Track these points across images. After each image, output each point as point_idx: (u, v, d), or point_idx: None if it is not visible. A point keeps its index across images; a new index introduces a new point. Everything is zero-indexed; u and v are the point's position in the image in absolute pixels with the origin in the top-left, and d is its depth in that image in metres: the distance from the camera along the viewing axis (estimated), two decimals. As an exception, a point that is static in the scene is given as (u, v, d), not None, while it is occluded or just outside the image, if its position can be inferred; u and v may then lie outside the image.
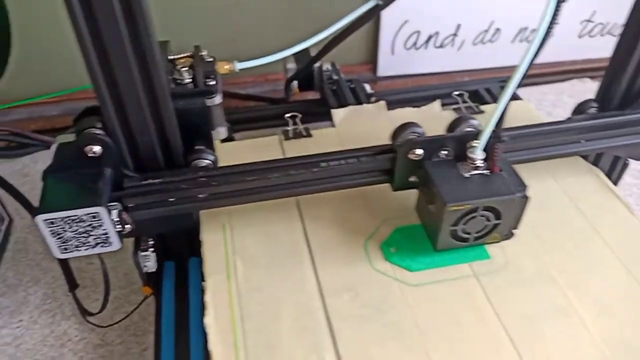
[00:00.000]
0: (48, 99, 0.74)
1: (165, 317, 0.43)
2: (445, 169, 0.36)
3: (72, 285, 0.50)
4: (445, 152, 0.37)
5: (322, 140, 0.52)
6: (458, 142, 0.38)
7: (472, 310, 0.36)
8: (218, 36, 0.75)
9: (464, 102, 0.57)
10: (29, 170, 0.65)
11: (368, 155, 0.38)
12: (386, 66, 0.84)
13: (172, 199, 0.38)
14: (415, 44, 0.82)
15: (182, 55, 0.41)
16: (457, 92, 0.58)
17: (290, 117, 0.55)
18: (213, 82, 0.40)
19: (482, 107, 0.56)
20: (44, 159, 0.66)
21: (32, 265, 0.54)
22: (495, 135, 0.37)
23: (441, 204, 0.35)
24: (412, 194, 0.41)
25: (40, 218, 0.35)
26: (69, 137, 0.40)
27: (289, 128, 0.53)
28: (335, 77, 0.64)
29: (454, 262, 0.39)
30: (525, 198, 0.37)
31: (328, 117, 0.55)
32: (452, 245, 0.38)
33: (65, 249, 0.37)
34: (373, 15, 0.46)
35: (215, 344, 0.35)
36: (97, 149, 0.36)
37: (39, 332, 0.48)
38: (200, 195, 0.39)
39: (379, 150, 0.38)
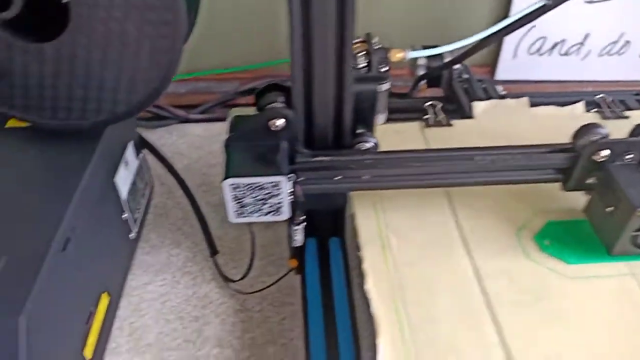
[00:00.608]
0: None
1: (310, 292, 0.45)
2: (630, 173, 0.36)
3: (213, 251, 0.53)
4: (631, 156, 0.37)
5: (463, 130, 0.52)
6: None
7: (633, 306, 0.36)
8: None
9: (608, 106, 0.56)
10: (165, 141, 0.69)
11: (541, 152, 0.39)
12: (506, 70, 0.83)
13: (338, 177, 0.40)
14: (539, 49, 0.81)
15: (357, 41, 0.43)
16: (599, 95, 0.57)
17: (429, 105, 0.56)
18: (386, 69, 0.41)
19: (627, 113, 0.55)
20: (177, 131, 0.71)
21: (173, 229, 0.57)
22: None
23: (628, 208, 0.35)
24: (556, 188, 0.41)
25: (227, 182, 0.37)
26: (244, 111, 0.43)
27: (428, 116, 0.54)
28: (465, 75, 0.64)
29: (612, 260, 0.39)
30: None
31: (454, 115, 0.56)
32: (629, 251, 0.37)
33: (241, 213, 0.40)
34: (538, 15, 0.46)
35: (378, 308, 0.36)
36: (280, 122, 0.38)
37: (182, 292, 0.51)
38: (364, 177, 0.41)
39: (555, 149, 0.39)
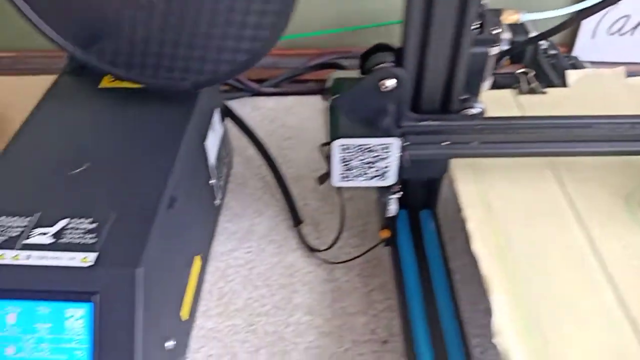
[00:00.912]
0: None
1: (404, 262, 0.44)
2: None
3: (297, 221, 0.53)
4: None
5: (558, 98, 0.51)
6: None
7: None
8: None
9: None
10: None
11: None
12: (583, 50, 0.80)
13: (446, 143, 0.39)
14: (620, 29, 0.77)
15: (468, 2, 0.41)
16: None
17: (521, 73, 0.54)
18: (499, 31, 0.40)
19: None
20: (250, 104, 0.70)
21: (254, 198, 0.57)
22: None
23: None
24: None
25: (338, 143, 0.37)
26: (346, 74, 0.42)
27: (520, 84, 0.53)
28: (552, 51, 0.62)
29: None
30: None
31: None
32: None
33: (346, 177, 0.39)
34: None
35: (488, 267, 0.35)
36: (390, 83, 0.37)
37: (268, 259, 0.51)
38: (473, 143, 0.39)
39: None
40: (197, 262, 0.45)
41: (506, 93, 0.51)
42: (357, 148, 0.37)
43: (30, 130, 0.43)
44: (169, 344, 0.38)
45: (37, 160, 0.40)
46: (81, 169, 0.39)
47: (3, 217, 0.35)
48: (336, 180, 0.39)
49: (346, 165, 0.38)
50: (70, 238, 0.34)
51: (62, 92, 0.47)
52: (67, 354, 0.33)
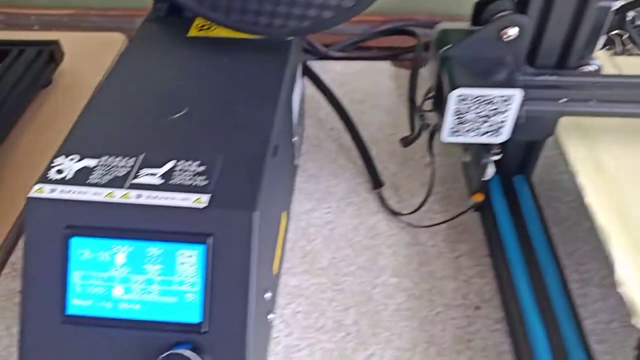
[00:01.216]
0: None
1: (502, 226, 0.43)
2: None
3: (378, 183, 0.51)
4: None
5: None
6: None
7: None
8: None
9: None
10: (306, 77, 0.67)
11: None
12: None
13: (563, 100, 0.37)
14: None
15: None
16: None
17: (615, 35, 0.52)
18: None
19: None
20: (318, 67, 0.69)
21: (330, 160, 0.55)
22: None
23: None
24: None
25: (456, 93, 0.35)
26: (452, 25, 0.40)
27: (615, 45, 0.51)
28: (639, 22, 0.59)
29: None
30: None
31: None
32: None
33: (456, 131, 0.37)
34: None
35: (605, 219, 0.34)
36: (513, 32, 0.35)
37: (348, 221, 0.49)
38: (590, 101, 0.37)
39: None
40: (284, 219, 0.44)
41: (600, 53, 0.49)
42: (475, 99, 0.35)
43: (121, 76, 0.42)
44: (267, 295, 0.37)
45: (133, 105, 0.39)
46: (181, 113, 0.38)
47: (106, 157, 0.34)
48: (446, 135, 0.37)
49: (459, 118, 0.36)
50: (181, 179, 0.33)
51: (150, 39, 0.46)
52: (177, 296, 0.32)
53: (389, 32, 0.73)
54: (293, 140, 0.49)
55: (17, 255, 0.47)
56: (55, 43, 0.64)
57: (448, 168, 0.54)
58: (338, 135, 0.58)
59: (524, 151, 0.45)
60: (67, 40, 0.67)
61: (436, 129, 0.45)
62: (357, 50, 0.74)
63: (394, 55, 0.71)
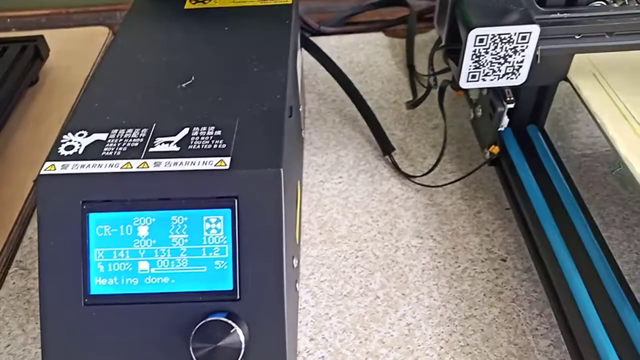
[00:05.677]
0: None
1: (523, 174, 0.42)
2: None
3: (389, 149, 0.50)
4: None
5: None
6: None
7: None
8: None
9: None
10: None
11: None
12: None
13: (578, 35, 0.36)
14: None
15: None
16: None
17: None
18: None
19: None
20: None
21: (334, 132, 0.54)
22: None
23: None
24: None
25: (474, 33, 0.34)
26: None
27: None
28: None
29: None
30: None
31: None
32: None
33: (473, 76, 0.36)
34: None
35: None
36: (523, -30, 0.35)
37: (362, 188, 0.48)
38: (603, 36, 0.37)
39: None
40: (299, 188, 0.43)
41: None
42: (493, 39, 0.34)
43: (121, 50, 0.40)
44: (295, 261, 0.36)
45: (137, 77, 0.37)
46: (189, 82, 0.36)
47: (117, 130, 0.33)
48: (464, 81, 0.36)
49: (477, 61, 0.35)
50: (199, 145, 0.32)
51: (146, 14, 0.44)
52: (206, 264, 0.30)
53: (381, 4, 0.72)
54: (300, 109, 0.47)
55: (22, 253, 0.45)
56: (40, 38, 0.62)
57: (456, 129, 0.53)
58: (340, 107, 0.57)
59: (536, 98, 0.44)
60: (51, 37, 0.65)
61: (445, 85, 0.45)
62: (348, 25, 0.73)
63: (385, 27, 0.70)
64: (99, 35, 0.71)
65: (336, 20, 0.70)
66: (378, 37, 0.68)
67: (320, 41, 0.67)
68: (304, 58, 0.55)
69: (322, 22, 0.69)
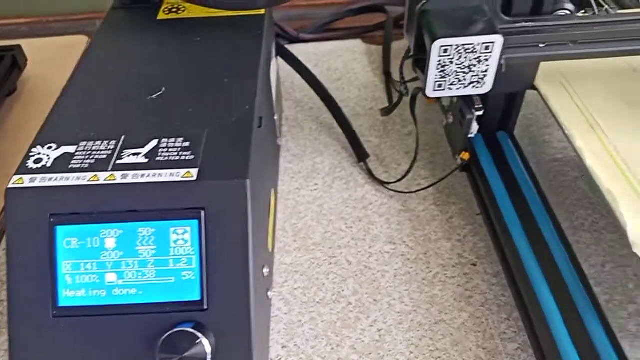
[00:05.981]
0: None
1: (492, 181, 0.42)
2: None
3: (363, 156, 0.51)
4: None
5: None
6: None
7: None
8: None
9: None
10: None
11: None
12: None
13: (542, 44, 0.37)
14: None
15: None
16: None
17: None
18: None
19: None
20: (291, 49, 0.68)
21: (311, 139, 0.55)
22: None
23: None
24: None
25: (438, 44, 0.35)
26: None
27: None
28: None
29: None
30: None
31: None
32: None
33: (440, 85, 0.37)
34: None
35: (608, 181, 0.34)
36: (486, -19, 0.35)
37: (337, 195, 0.49)
38: (567, 44, 0.38)
39: None
40: (273, 196, 0.43)
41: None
42: (457, 50, 0.35)
43: (93, 63, 0.40)
44: (265, 270, 0.36)
45: (108, 90, 0.38)
46: (159, 93, 0.37)
47: (85, 142, 0.33)
48: (430, 90, 0.37)
49: (442, 71, 0.36)
50: (166, 156, 0.32)
51: (119, 25, 0.44)
52: (174, 275, 0.31)
53: (359, 10, 0.73)
54: (275, 118, 0.48)
55: (-2, 263, 0.46)
56: (18, 48, 0.62)
57: (429, 135, 0.54)
58: (317, 114, 0.58)
59: (505, 105, 0.45)
60: (28, 46, 0.65)
61: (417, 93, 0.45)
62: (327, 32, 0.74)
63: (363, 33, 0.71)
64: (78, 44, 0.71)
65: (315, 27, 0.71)
66: (356, 44, 0.68)
67: (299, 48, 0.68)
68: (280, 66, 0.56)
69: (301, 30, 0.70)
